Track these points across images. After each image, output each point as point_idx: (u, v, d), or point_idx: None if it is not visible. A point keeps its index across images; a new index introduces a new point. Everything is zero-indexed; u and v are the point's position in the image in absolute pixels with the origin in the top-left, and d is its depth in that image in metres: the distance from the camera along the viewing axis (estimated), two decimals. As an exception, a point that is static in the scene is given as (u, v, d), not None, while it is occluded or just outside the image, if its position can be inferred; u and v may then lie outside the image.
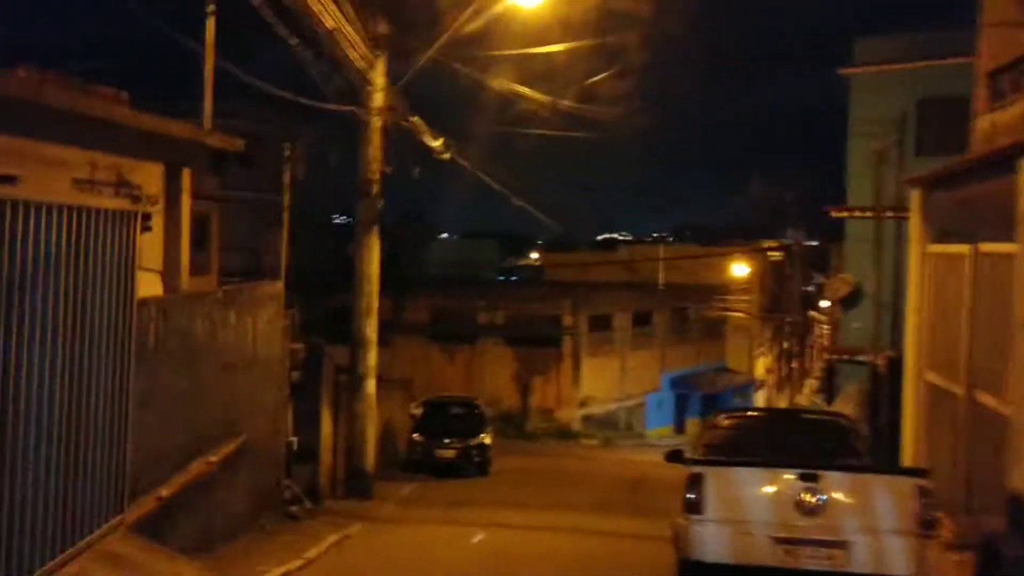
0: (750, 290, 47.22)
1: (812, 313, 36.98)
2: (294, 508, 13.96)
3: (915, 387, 12.91)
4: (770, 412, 12.69)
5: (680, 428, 48.86)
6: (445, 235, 61.69)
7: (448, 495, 18.97)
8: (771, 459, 8.50)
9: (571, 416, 40.74)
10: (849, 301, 23.71)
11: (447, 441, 22.93)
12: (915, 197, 13.14)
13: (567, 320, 40.91)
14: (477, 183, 18.08)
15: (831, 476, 8.05)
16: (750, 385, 52.73)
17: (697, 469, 8.39)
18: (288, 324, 14.13)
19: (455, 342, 41.43)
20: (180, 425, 9.28)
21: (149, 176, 10.56)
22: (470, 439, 23.05)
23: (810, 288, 39.08)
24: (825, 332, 38.45)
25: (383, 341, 38.06)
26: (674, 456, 10.91)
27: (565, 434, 39.55)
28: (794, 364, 42.36)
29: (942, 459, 11.42)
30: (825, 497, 7.88)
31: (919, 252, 12.83)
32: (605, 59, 18.15)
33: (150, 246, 11.87)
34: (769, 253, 42.38)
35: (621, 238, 58.56)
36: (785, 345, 57.59)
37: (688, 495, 8.23)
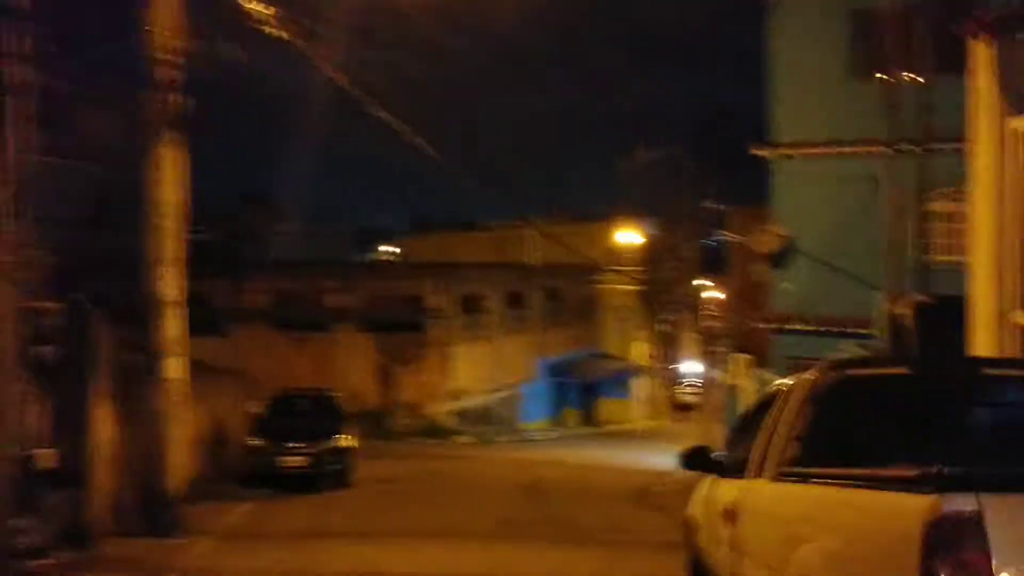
0: (633, 263, 43.37)
1: (704, 286, 32.99)
2: (35, 563, 8.58)
3: (996, 335, 8.62)
4: (925, 370, 6.24)
5: (558, 421, 44.67)
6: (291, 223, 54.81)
7: (295, 521, 13.74)
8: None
9: (442, 411, 35.84)
10: (779, 259, 19.63)
11: (294, 445, 17.58)
12: (981, 51, 8.85)
13: (433, 301, 35.95)
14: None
15: None
16: (628, 372, 49.06)
17: (964, 504, 3.08)
18: (19, 264, 8.71)
19: (305, 330, 35.85)
20: None
21: None
22: (324, 442, 17.79)
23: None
24: (713, 311, 34.85)
25: (218, 330, 32.31)
26: (696, 459, 6.18)
27: (436, 432, 34.63)
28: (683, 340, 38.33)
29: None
30: None
31: (992, 133, 8.55)
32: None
33: None
34: (649, 227, 38.30)
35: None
36: (664, 327, 54.24)
37: (940, 568, 3.12)
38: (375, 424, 34.41)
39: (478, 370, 37.90)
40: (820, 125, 19.50)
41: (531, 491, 19.05)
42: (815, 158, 19.59)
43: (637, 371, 50.05)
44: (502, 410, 39.52)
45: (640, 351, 51.08)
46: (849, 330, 18.18)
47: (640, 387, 50.52)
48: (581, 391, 46.55)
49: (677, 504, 9.51)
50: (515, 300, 41.24)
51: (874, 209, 18.23)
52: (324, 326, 35.86)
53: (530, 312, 42.49)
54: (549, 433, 41.48)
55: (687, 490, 7.38)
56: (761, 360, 20.12)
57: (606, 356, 48.65)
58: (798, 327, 19.35)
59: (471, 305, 37.96)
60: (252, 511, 14.47)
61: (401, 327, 35.49)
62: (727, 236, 27.65)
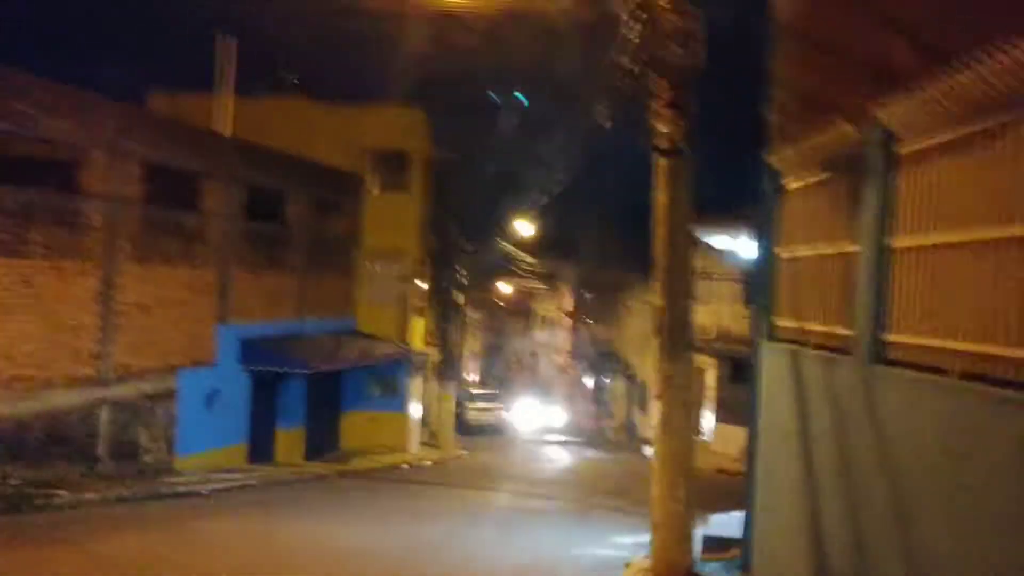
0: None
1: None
2: None
3: None
4: None
5: (263, 449, 22.99)
6: None
7: None
8: None
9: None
10: None
11: None
12: None
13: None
14: None
15: None
16: (403, 363, 28.28)
17: None
18: None
19: None
20: None
21: None
22: None
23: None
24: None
25: None
26: None
27: None
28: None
29: None
30: None
31: None
32: None
33: None
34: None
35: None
36: (456, 301, 33.89)
37: None
38: None
39: (56, 332, 15.90)
40: None
41: None
42: None
43: (417, 365, 29.36)
44: (122, 427, 17.53)
45: (423, 334, 30.50)
46: None
47: (418, 393, 29.81)
48: (312, 390, 25.08)
49: None
50: (173, 192, 19.47)
51: None
52: None
53: (210, 227, 20.85)
54: (236, 477, 19.80)
55: None
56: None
57: (362, 335, 27.67)
58: None
59: (52, 181, 15.93)
60: None
61: None
62: None
